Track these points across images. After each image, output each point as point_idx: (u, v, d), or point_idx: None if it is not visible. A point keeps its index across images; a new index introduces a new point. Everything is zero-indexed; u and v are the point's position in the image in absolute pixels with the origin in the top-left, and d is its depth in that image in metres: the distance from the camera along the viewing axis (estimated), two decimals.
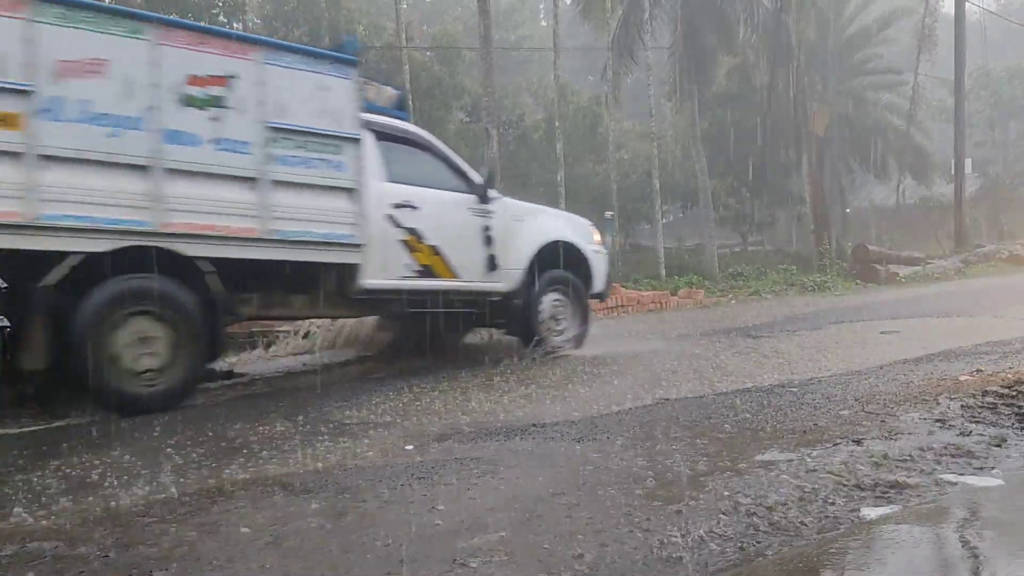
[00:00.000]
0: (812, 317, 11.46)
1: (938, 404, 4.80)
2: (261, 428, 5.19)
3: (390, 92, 8.10)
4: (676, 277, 19.67)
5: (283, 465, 4.26)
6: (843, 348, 7.88)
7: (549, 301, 8.36)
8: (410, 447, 4.50)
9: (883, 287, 17.94)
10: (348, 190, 6.91)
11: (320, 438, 4.85)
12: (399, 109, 8.26)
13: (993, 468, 3.58)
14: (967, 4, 26.26)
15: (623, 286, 15.97)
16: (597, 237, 9.19)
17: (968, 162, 27.49)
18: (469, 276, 7.77)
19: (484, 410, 5.53)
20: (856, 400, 5.11)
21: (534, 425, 4.88)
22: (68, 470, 4.29)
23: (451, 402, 5.90)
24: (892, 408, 4.80)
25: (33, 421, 5.89)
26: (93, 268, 5.72)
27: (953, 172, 26.51)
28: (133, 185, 5.88)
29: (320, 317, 8.59)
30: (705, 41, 25.62)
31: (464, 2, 39.54)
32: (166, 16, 6.70)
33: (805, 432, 4.36)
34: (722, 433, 4.46)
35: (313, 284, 7.05)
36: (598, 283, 8.91)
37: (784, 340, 8.93)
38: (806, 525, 2.96)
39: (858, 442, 4.03)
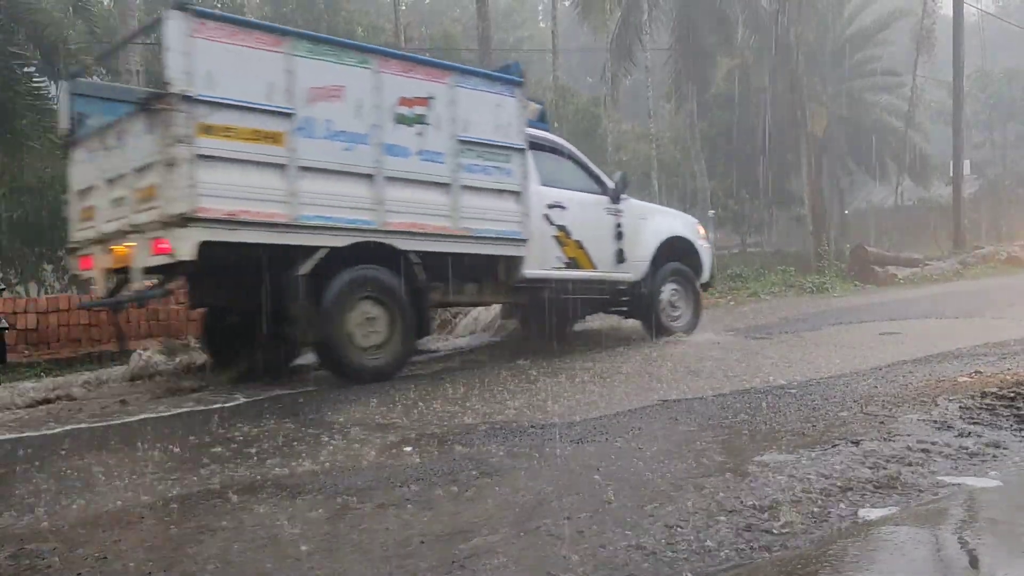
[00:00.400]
0: (811, 318, 11.46)
1: (937, 405, 4.80)
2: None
3: (534, 106, 9.02)
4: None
5: (281, 467, 4.25)
6: (842, 349, 7.87)
7: (668, 290, 9.60)
8: (408, 448, 4.50)
9: (882, 288, 17.94)
10: (516, 193, 8.11)
11: (319, 440, 4.84)
12: (541, 121, 9.31)
13: (992, 469, 3.58)
14: (965, 6, 26.28)
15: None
16: (703, 232, 10.38)
17: (967, 163, 27.51)
18: (605, 268, 9.03)
19: (486, 411, 5.53)
20: (855, 401, 5.11)
21: (533, 427, 4.88)
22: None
23: (449, 403, 5.90)
24: (891, 409, 4.80)
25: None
26: (333, 260, 6.92)
27: (952, 173, 26.50)
28: (362, 191, 7.08)
29: (485, 303, 9.82)
30: (704, 42, 25.66)
31: (463, 4, 39.54)
32: (385, 48, 8.19)
33: (804, 433, 4.36)
34: (721, 434, 4.46)
35: (485, 274, 8.29)
36: (706, 274, 10.22)
37: (783, 341, 8.93)
38: (805, 526, 2.96)
39: (857, 443, 4.03)
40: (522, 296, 8.70)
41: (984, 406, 4.70)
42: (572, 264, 8.77)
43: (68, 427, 6.00)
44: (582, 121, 25.69)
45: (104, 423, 6.09)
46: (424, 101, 7.49)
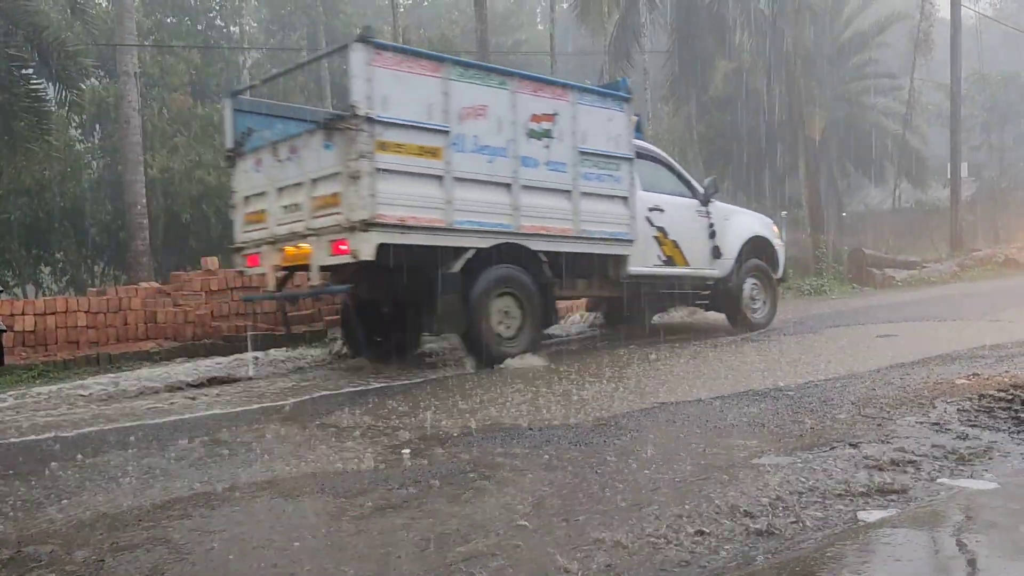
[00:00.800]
0: (808, 320, 11.47)
1: (934, 408, 4.81)
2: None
3: (633, 118, 9.55)
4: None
5: (280, 470, 4.25)
6: (840, 351, 7.88)
7: (749, 285, 10.55)
8: (405, 451, 4.50)
9: (879, 291, 17.95)
10: (624, 198, 9.07)
11: (315, 442, 4.84)
12: (637, 131, 9.78)
13: (989, 472, 3.58)
14: (963, 9, 26.32)
15: None
16: (776, 231, 11.33)
17: (964, 166, 27.52)
18: (696, 265, 10.04)
19: (485, 414, 5.53)
20: (853, 404, 5.12)
21: (531, 428, 4.88)
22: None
23: (446, 404, 5.90)
24: (889, 412, 4.80)
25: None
26: (477, 260, 7.92)
27: (949, 176, 26.53)
28: (502, 198, 8.04)
29: (591, 297, 10.79)
30: (702, 45, 25.68)
31: (461, 6, 39.54)
32: (520, 71, 9.00)
33: (802, 435, 4.36)
34: (719, 436, 4.46)
35: (595, 271, 9.29)
36: (780, 269, 11.30)
37: (781, 343, 8.94)
38: (803, 529, 2.96)
39: (855, 445, 4.04)
40: (624, 291, 9.53)
41: (982, 408, 4.71)
42: (669, 262, 9.75)
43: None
44: None
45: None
46: (551, 117, 8.46)
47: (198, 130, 19.77)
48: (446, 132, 7.62)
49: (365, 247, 7.16)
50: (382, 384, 7.42)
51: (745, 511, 3.13)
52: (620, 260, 9.25)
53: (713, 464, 3.87)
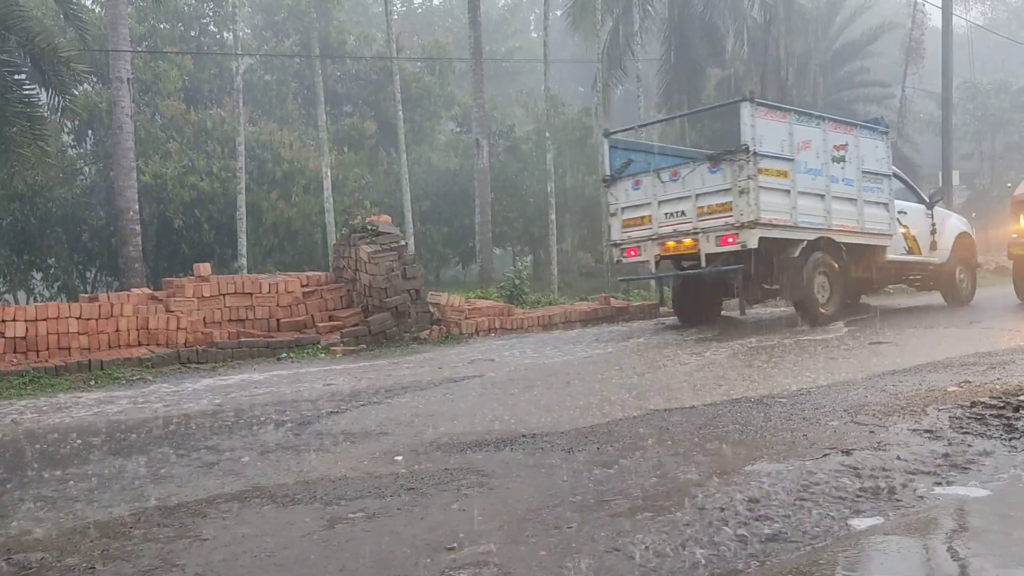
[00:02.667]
0: (801, 327, 11.48)
1: (927, 415, 4.82)
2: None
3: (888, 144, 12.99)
4: (666, 287, 19.63)
5: (272, 477, 4.24)
6: (832, 359, 7.89)
7: (958, 270, 13.88)
8: (399, 457, 4.49)
9: (871, 298, 17.96)
10: (886, 204, 12.45)
11: (310, 448, 4.83)
12: None
13: (981, 479, 3.58)
14: (954, 17, 26.46)
15: (613, 296, 16.00)
16: (971, 228, 15.36)
17: (955, 174, 27.59)
18: (925, 254, 13.43)
19: (481, 418, 5.52)
20: (845, 411, 5.12)
21: (524, 435, 4.87)
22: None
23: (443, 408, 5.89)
24: (881, 419, 4.81)
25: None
26: (805, 248, 11.25)
27: (940, 184, 26.61)
28: (820, 205, 11.44)
29: (859, 278, 12.85)
30: (695, 53, 25.76)
31: (455, 13, 39.61)
32: (829, 115, 12.55)
33: (795, 443, 4.37)
34: (712, 444, 4.46)
35: (864, 258, 12.36)
36: (977, 258, 14.92)
37: (773, 350, 8.94)
38: (795, 536, 2.96)
39: (847, 453, 4.04)
40: (881, 273, 12.82)
41: (974, 416, 4.72)
42: (909, 252, 13.07)
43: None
44: (573, 131, 25.68)
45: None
46: (844, 147, 11.81)
47: (191, 136, 19.74)
48: (791, 160, 11.06)
49: (751, 239, 10.65)
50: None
51: (737, 518, 3.13)
52: (883, 249, 12.48)
53: (706, 471, 3.86)
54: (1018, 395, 5.13)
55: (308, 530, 3.30)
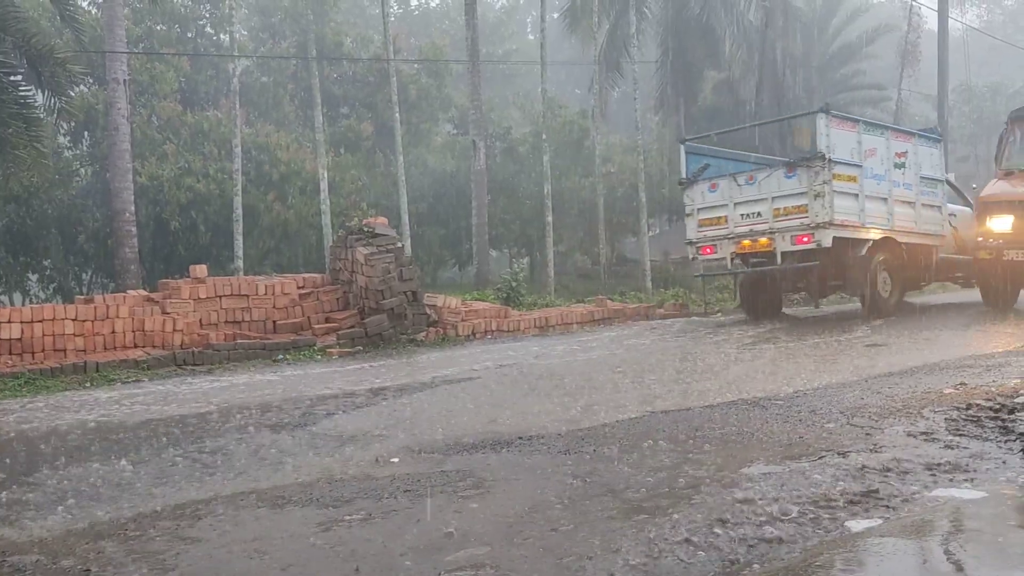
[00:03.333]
0: (797, 330, 11.50)
1: (923, 417, 4.82)
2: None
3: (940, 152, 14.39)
4: (662, 290, 19.66)
5: (268, 479, 4.23)
6: (829, 361, 7.90)
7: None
8: (395, 459, 4.48)
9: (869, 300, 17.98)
10: (939, 207, 13.52)
11: (306, 450, 4.82)
12: None
13: (977, 481, 3.59)
14: (950, 20, 26.52)
15: (609, 299, 16.00)
16: None
17: (951, 176, 27.66)
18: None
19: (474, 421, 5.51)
20: (842, 413, 5.12)
21: (520, 437, 4.87)
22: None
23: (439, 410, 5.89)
24: (877, 421, 4.81)
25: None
26: (872, 247, 12.30)
27: None
28: (883, 207, 12.52)
29: (914, 277, 13.79)
30: (691, 56, 25.77)
31: (451, 15, 39.60)
32: (891, 125, 14.33)
33: (791, 445, 4.37)
34: (708, 445, 4.46)
35: (919, 256, 13.24)
36: None
37: (770, 352, 8.95)
38: (792, 538, 2.96)
39: (843, 455, 4.04)
40: (934, 270, 13.78)
41: (969, 418, 4.72)
42: (956, 251, 13.76)
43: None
44: (570, 133, 25.66)
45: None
46: (905, 154, 12.88)
47: (187, 138, 19.70)
48: (860, 166, 12.14)
49: (826, 238, 11.75)
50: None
51: (734, 520, 3.13)
52: (936, 249, 13.43)
53: (702, 473, 3.86)
54: (1014, 397, 5.14)
55: (304, 532, 3.30)
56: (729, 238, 12.83)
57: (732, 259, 13.09)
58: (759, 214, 12.45)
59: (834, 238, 11.75)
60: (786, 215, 12.10)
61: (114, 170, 16.35)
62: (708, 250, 13.27)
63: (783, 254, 12.21)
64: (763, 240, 12.37)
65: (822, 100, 30.53)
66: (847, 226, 11.93)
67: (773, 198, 12.27)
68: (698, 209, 13.33)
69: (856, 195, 12.03)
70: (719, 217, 12.99)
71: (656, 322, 14.13)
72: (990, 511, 3.29)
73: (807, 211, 11.82)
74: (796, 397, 5.85)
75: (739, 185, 12.73)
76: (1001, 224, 11.58)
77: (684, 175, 13.64)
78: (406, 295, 11.91)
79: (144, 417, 6.63)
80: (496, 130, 26.10)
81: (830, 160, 11.65)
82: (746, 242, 12.63)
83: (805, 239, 11.87)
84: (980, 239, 11.94)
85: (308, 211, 19.69)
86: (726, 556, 2.82)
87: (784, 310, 14.10)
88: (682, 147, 14.23)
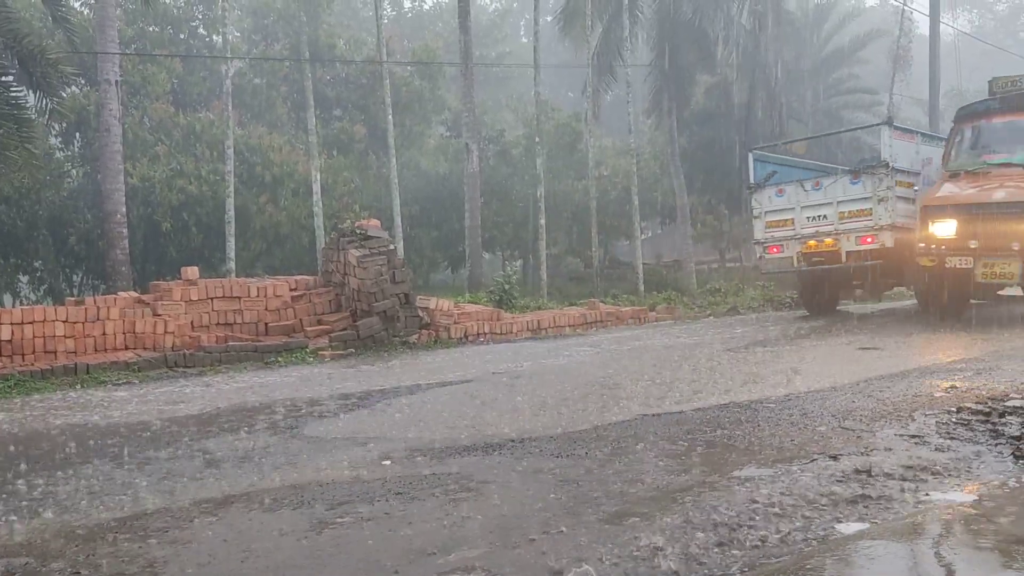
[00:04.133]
0: (789, 333, 11.52)
1: (914, 420, 4.84)
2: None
3: None
4: (654, 293, 19.68)
5: (259, 481, 4.22)
6: (821, 364, 7.92)
7: None
8: (387, 462, 4.48)
9: (861, 302, 18.06)
10: None
11: (298, 453, 4.81)
12: None
13: (967, 484, 3.60)
14: (942, 26, 26.64)
15: (602, 301, 16.02)
16: None
17: None
18: None
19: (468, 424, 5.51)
20: (833, 416, 5.14)
21: (512, 440, 4.87)
22: None
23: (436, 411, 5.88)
24: (868, 424, 4.83)
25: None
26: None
27: None
28: (911, 208, 12.97)
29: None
30: (684, 59, 25.80)
31: (445, 18, 39.61)
32: (943, 136, 14.25)
33: (782, 448, 4.38)
34: (700, 448, 4.47)
35: None
36: None
37: (762, 356, 8.97)
38: (783, 540, 2.97)
39: (835, 458, 4.05)
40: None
41: (960, 421, 4.74)
42: None
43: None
44: (563, 136, 25.69)
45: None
46: (930, 160, 13.45)
47: (179, 139, 19.65)
48: (917, 174, 13.12)
49: (888, 239, 12.57)
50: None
51: (724, 522, 3.14)
52: None
53: (694, 475, 3.86)
54: (1004, 401, 5.16)
55: (296, 535, 3.29)
56: (796, 238, 13.69)
57: (797, 259, 13.77)
58: (825, 216, 13.31)
59: (895, 239, 12.57)
60: (851, 218, 13.00)
61: (105, 171, 16.29)
62: (775, 249, 14.06)
63: (847, 253, 13.05)
64: (828, 240, 13.24)
65: (814, 104, 30.86)
66: (904, 228, 12.59)
67: (838, 202, 13.15)
68: (765, 212, 14.19)
69: (913, 200, 12.73)
70: (786, 219, 13.86)
71: (656, 323, 14.13)
72: (980, 514, 3.30)
73: (871, 214, 12.70)
74: (787, 400, 5.86)
75: (806, 190, 13.62)
76: (944, 229, 11.20)
77: (752, 180, 14.54)
78: (398, 297, 11.89)
79: (135, 419, 6.60)
80: (489, 133, 26.11)
81: (892, 168, 12.57)
82: (812, 242, 13.44)
83: (869, 239, 12.73)
84: (922, 245, 11.45)
85: (301, 213, 19.66)
86: (717, 559, 2.82)
87: (838, 308, 15.10)
88: (750, 155, 15.29)
